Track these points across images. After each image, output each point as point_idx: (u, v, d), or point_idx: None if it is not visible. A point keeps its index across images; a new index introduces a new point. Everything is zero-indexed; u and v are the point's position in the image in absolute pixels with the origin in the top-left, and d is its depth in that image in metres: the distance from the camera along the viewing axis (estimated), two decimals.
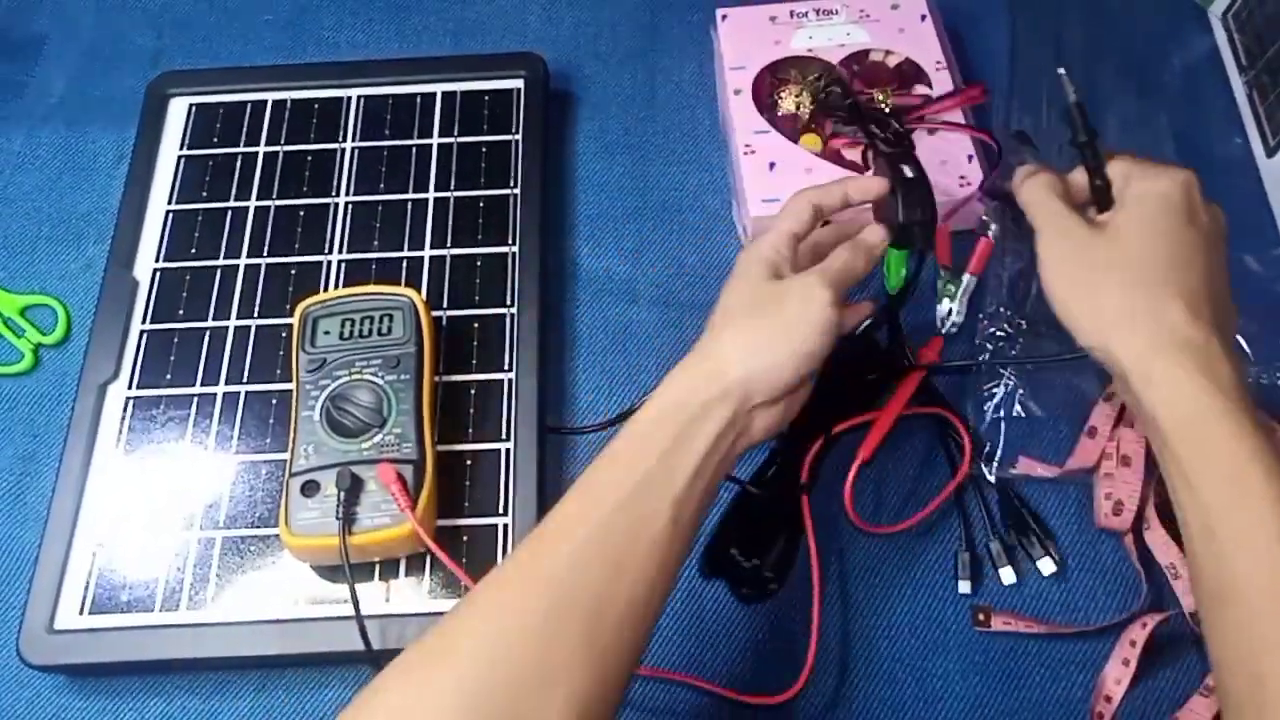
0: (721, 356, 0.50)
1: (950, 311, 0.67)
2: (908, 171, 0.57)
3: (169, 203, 0.73)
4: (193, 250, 0.71)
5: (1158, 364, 0.47)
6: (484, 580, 0.46)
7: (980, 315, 0.67)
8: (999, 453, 0.64)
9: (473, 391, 0.66)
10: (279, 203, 0.73)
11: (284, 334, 0.67)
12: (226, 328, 0.68)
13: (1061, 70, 0.56)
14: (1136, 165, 0.54)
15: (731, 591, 0.60)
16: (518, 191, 0.72)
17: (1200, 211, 0.51)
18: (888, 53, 0.75)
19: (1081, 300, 0.51)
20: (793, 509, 0.59)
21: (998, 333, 0.66)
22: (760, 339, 0.51)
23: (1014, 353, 0.65)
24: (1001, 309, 0.66)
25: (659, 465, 0.47)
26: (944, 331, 0.67)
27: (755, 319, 0.52)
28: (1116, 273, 0.50)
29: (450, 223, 0.72)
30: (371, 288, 0.65)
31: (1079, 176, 0.56)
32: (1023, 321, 0.66)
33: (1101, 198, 0.55)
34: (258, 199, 0.73)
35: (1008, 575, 0.61)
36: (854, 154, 0.71)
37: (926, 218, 0.56)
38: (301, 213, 0.72)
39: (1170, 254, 0.50)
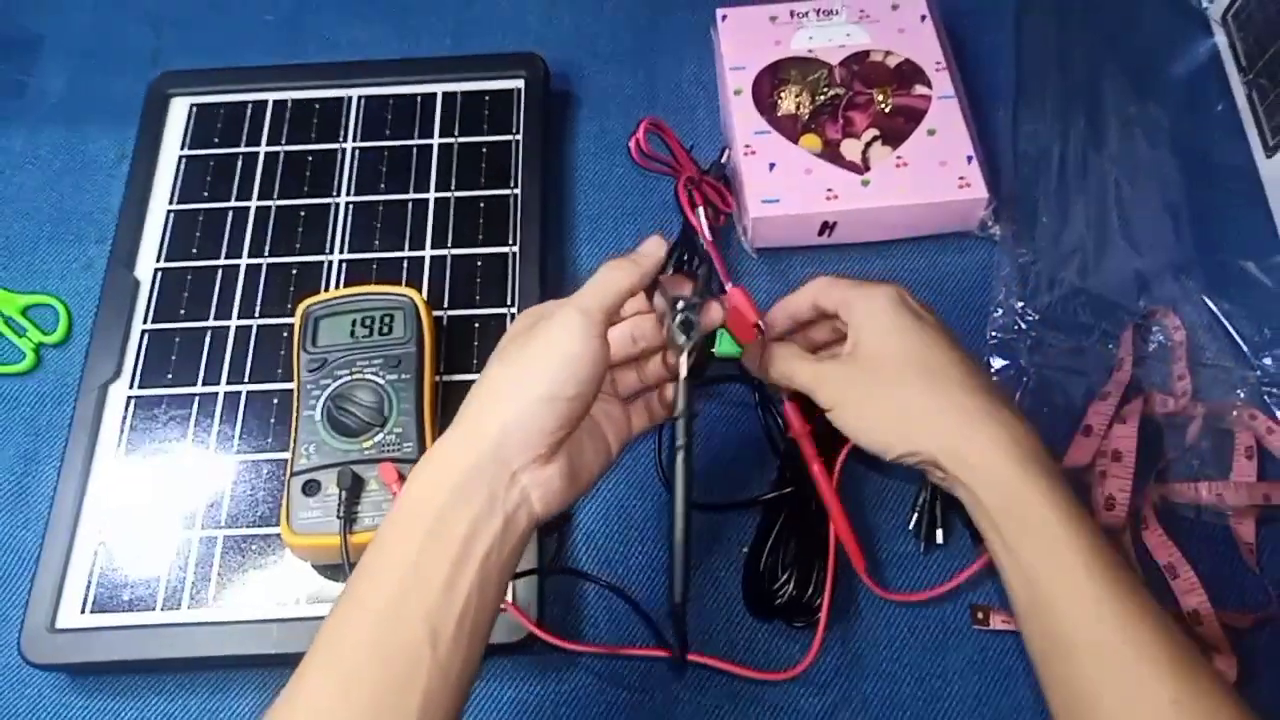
0: (475, 416, 0.45)
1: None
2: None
3: (170, 203, 0.73)
4: (194, 250, 0.71)
5: (968, 446, 0.48)
6: None
7: (992, 307, 0.67)
8: None
9: None
10: (280, 203, 0.73)
11: (285, 334, 0.68)
12: (228, 327, 0.68)
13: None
14: (843, 287, 0.54)
15: (788, 624, 0.60)
16: (518, 192, 0.73)
17: (920, 309, 0.53)
18: (888, 53, 0.75)
19: (879, 420, 0.51)
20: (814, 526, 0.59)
21: (1009, 326, 0.66)
22: (507, 386, 0.45)
23: (1025, 346, 0.66)
24: (1014, 302, 0.67)
25: (410, 580, 0.42)
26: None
27: (505, 366, 0.46)
28: (891, 385, 0.51)
29: (451, 223, 0.72)
30: (372, 287, 0.65)
31: (798, 333, 0.57)
32: (1036, 315, 0.67)
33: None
34: (259, 199, 0.73)
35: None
36: (854, 154, 0.71)
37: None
38: (302, 213, 0.73)
39: (924, 347, 0.51)
